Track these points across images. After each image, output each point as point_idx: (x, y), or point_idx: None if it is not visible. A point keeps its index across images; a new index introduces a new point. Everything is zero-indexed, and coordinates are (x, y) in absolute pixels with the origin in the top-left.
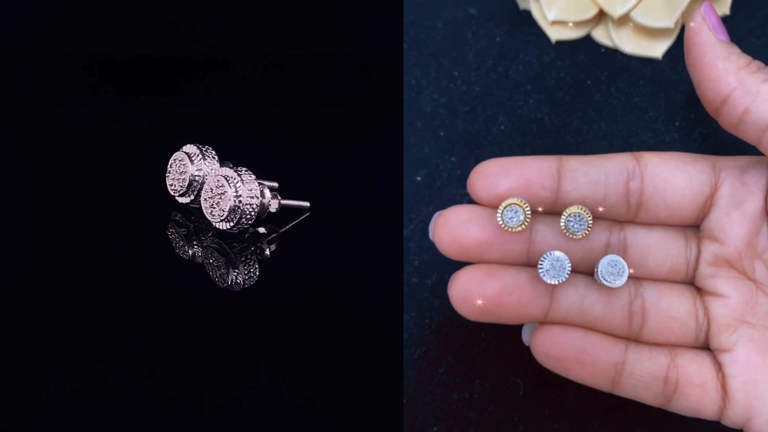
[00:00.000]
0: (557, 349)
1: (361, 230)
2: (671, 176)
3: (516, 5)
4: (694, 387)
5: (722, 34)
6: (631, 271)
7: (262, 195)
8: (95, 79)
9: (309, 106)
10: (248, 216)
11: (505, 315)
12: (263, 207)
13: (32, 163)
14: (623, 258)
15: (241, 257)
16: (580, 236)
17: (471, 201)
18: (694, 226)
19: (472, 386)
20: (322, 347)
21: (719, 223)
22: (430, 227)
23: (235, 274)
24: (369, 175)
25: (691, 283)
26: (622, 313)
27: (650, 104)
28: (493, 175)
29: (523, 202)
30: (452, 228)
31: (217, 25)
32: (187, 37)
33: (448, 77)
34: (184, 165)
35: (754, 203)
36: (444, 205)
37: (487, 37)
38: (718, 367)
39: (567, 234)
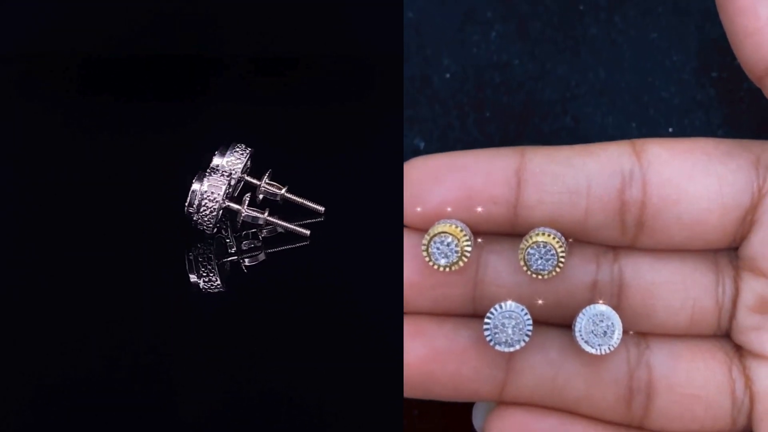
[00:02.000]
0: None
1: (362, 228)
2: (688, 180)
3: None
4: None
5: None
6: (630, 332)
7: (239, 202)
8: (94, 80)
9: (309, 105)
10: (203, 212)
11: (440, 392)
12: (238, 213)
13: (30, 164)
14: (618, 305)
15: (201, 261)
16: (548, 275)
17: None
18: (728, 251)
19: None
20: (322, 348)
21: (766, 248)
22: None
23: (194, 277)
24: (369, 175)
25: (726, 336)
26: (616, 390)
27: (674, 44)
28: (421, 183)
29: (459, 227)
30: None
31: (217, 25)
32: (186, 38)
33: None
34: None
35: None
36: None
37: None
38: None
39: (529, 272)
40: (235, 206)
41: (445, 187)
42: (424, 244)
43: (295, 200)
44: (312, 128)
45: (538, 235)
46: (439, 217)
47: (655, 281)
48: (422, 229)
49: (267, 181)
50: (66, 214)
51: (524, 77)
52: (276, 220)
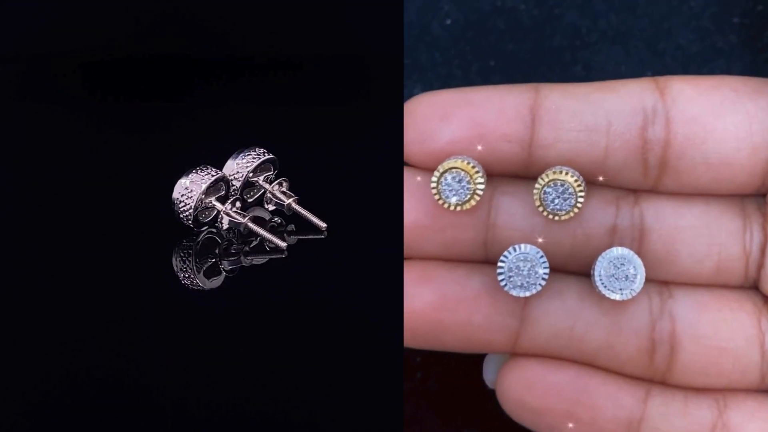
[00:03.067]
0: (536, 398)
1: (362, 228)
2: (715, 118)
3: None
4: None
5: None
6: (652, 281)
7: (217, 201)
8: (93, 80)
9: (308, 105)
10: (181, 206)
11: (450, 342)
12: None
13: (30, 164)
14: (640, 250)
15: (183, 256)
16: (566, 217)
17: None
18: (757, 197)
19: None
20: (321, 349)
21: None
22: None
23: (176, 269)
24: (369, 174)
25: (754, 288)
26: (638, 341)
27: None
28: (427, 120)
29: (471, 163)
30: None
31: (217, 26)
32: (186, 38)
33: None
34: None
35: None
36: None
37: None
38: None
39: (545, 213)
40: (219, 206)
41: (454, 123)
42: (433, 181)
43: (300, 212)
44: (312, 128)
45: (555, 173)
46: (448, 155)
47: (678, 226)
48: (428, 169)
49: (276, 189)
50: (65, 214)
51: (531, 23)
52: (256, 228)
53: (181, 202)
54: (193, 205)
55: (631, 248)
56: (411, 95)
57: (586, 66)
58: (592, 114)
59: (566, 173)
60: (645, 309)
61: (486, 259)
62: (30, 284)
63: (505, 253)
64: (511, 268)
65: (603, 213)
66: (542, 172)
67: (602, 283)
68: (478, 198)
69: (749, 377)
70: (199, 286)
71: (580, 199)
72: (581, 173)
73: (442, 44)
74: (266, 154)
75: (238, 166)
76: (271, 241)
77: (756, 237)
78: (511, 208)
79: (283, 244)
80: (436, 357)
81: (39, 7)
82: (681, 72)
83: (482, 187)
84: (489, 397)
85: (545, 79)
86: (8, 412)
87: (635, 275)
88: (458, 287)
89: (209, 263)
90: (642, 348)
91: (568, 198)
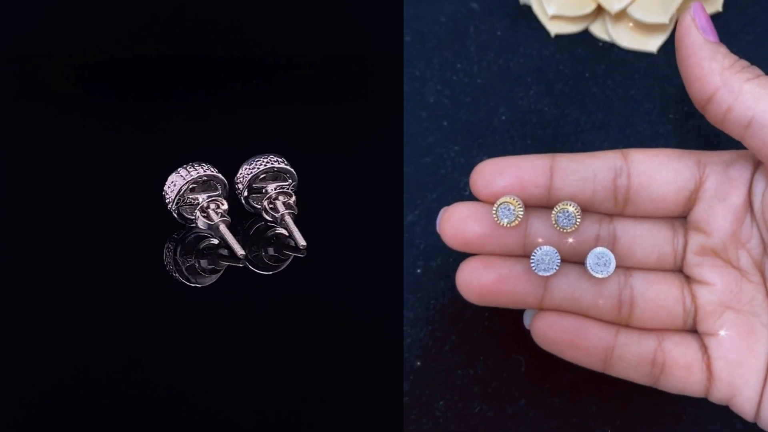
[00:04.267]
0: (553, 334)
1: (362, 227)
2: (656, 172)
3: (516, 0)
4: (680, 368)
5: (711, 35)
6: (619, 267)
7: (209, 199)
8: (92, 80)
9: (309, 106)
10: (165, 198)
11: (503, 301)
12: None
13: (28, 164)
14: (613, 249)
15: (168, 250)
16: (570, 230)
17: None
18: (681, 218)
19: (476, 363)
20: (321, 350)
21: (704, 216)
22: (437, 221)
23: (165, 260)
24: (370, 172)
25: (680, 271)
26: (611, 301)
27: (645, 97)
28: (490, 175)
29: (516, 200)
30: (455, 223)
31: (217, 26)
32: (185, 38)
33: (451, 69)
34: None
35: (738, 196)
36: (448, 192)
37: (489, 31)
38: (704, 349)
39: (557, 228)
40: (205, 204)
41: (506, 176)
42: (494, 209)
43: (288, 226)
44: (312, 128)
45: (563, 204)
46: (503, 194)
47: (635, 235)
48: (490, 202)
49: (280, 199)
50: (63, 214)
51: (551, 119)
52: (225, 231)
53: (166, 194)
54: (173, 198)
55: (607, 248)
56: (479, 160)
57: (583, 143)
58: (585, 171)
59: (570, 205)
60: (615, 283)
61: (524, 254)
62: (27, 284)
63: (535, 250)
64: (538, 259)
65: (591, 227)
66: (557, 203)
67: (591, 268)
68: (519, 219)
69: (676, 323)
70: (188, 282)
71: (578, 220)
72: (579, 205)
73: (500, 131)
74: (278, 163)
75: (244, 170)
76: (231, 248)
77: (680, 242)
78: (539, 225)
79: (241, 253)
80: (498, 312)
81: (38, 7)
82: (638, 146)
83: (522, 213)
84: (527, 334)
85: (559, 150)
86: (8, 411)
87: (610, 263)
88: (508, 270)
89: (189, 262)
90: (613, 305)
91: (571, 219)
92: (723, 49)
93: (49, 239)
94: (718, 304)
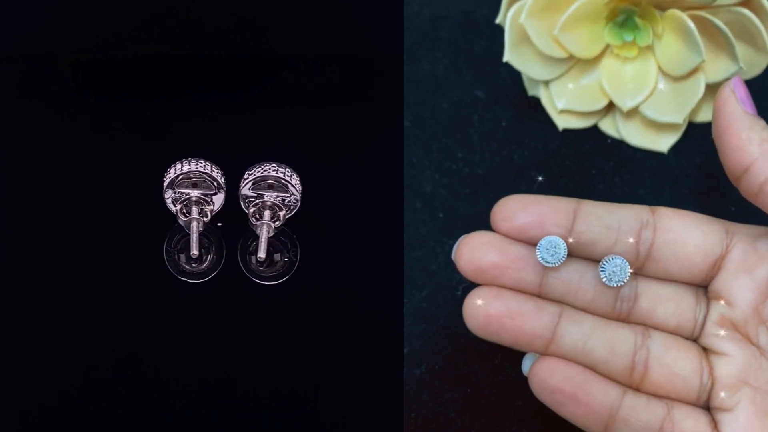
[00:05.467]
0: (555, 382)
1: (362, 229)
2: (684, 231)
3: (524, 90)
4: None
5: (749, 107)
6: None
7: (202, 196)
8: (92, 80)
9: (309, 106)
10: (164, 184)
11: (507, 338)
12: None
13: (28, 164)
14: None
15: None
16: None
17: (466, 289)
18: (702, 287)
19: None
20: (321, 350)
21: (727, 285)
22: (454, 248)
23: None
24: (370, 180)
25: (697, 339)
26: (624, 360)
27: (654, 197)
28: (512, 210)
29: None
30: (471, 249)
31: (217, 25)
32: (185, 38)
33: (451, 158)
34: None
35: (764, 270)
36: (438, 291)
37: (493, 121)
38: (714, 425)
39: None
40: (193, 198)
41: (528, 212)
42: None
43: (261, 235)
44: (312, 129)
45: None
46: (522, 230)
47: (658, 294)
48: (508, 237)
49: (267, 212)
50: (63, 214)
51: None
52: (192, 230)
53: (164, 182)
54: (164, 187)
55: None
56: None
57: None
58: (610, 218)
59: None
60: (631, 341)
61: (539, 294)
62: (27, 283)
63: (604, 262)
64: (610, 272)
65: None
66: (575, 247)
67: (541, 256)
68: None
69: (691, 395)
70: (181, 276)
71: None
72: (600, 253)
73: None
74: (269, 171)
75: (246, 174)
76: (192, 248)
77: (702, 310)
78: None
79: (194, 253)
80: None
81: (38, 6)
82: None
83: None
84: (518, 381)
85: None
86: (8, 411)
87: (559, 251)
88: (516, 304)
89: (171, 256)
90: (626, 365)
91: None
92: (762, 122)
93: (49, 239)
94: (737, 378)
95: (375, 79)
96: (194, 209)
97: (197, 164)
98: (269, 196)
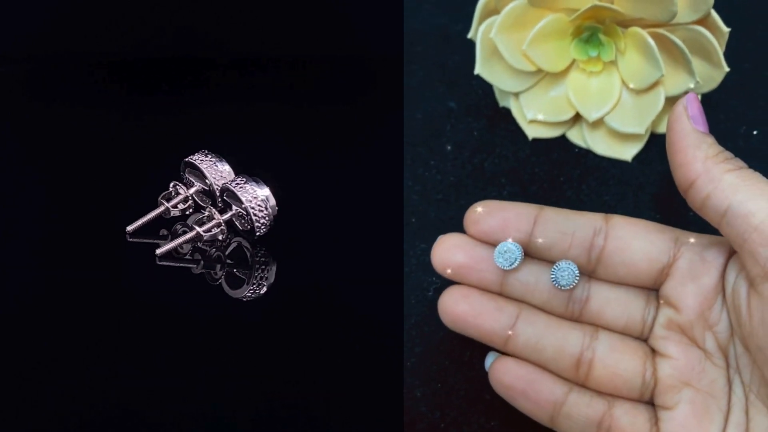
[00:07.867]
0: (508, 380)
1: (362, 228)
2: (633, 239)
3: (495, 102)
4: None
5: (701, 125)
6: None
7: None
8: (93, 80)
9: (309, 106)
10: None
11: (472, 333)
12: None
13: (30, 163)
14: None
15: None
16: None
17: (438, 290)
18: (655, 290)
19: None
20: (321, 349)
21: (675, 292)
22: (433, 247)
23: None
24: (368, 178)
25: (645, 340)
26: (571, 359)
27: (618, 203)
28: (480, 215)
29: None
30: (443, 249)
31: (219, 26)
32: (187, 39)
33: (424, 165)
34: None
35: (710, 279)
36: (411, 292)
37: (465, 131)
38: (654, 421)
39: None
40: (184, 192)
41: (493, 218)
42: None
43: (181, 237)
44: (312, 129)
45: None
46: (488, 233)
47: (608, 297)
48: (477, 238)
49: (213, 224)
50: (65, 213)
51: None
52: (177, 238)
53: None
54: (182, 169)
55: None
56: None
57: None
58: (566, 225)
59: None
60: (579, 342)
61: (500, 293)
62: (27, 283)
63: (554, 267)
64: (558, 275)
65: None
66: (534, 251)
67: (495, 258)
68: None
69: (632, 393)
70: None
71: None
72: (555, 257)
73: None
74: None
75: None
76: (167, 249)
77: (650, 313)
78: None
79: (159, 251)
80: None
81: (39, 6)
82: None
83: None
84: (486, 377)
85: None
86: (8, 411)
87: (516, 259)
88: (480, 306)
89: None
90: (572, 364)
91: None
92: (710, 140)
93: (49, 239)
94: (678, 379)
95: (375, 79)
96: (180, 201)
97: (207, 159)
98: (250, 197)
